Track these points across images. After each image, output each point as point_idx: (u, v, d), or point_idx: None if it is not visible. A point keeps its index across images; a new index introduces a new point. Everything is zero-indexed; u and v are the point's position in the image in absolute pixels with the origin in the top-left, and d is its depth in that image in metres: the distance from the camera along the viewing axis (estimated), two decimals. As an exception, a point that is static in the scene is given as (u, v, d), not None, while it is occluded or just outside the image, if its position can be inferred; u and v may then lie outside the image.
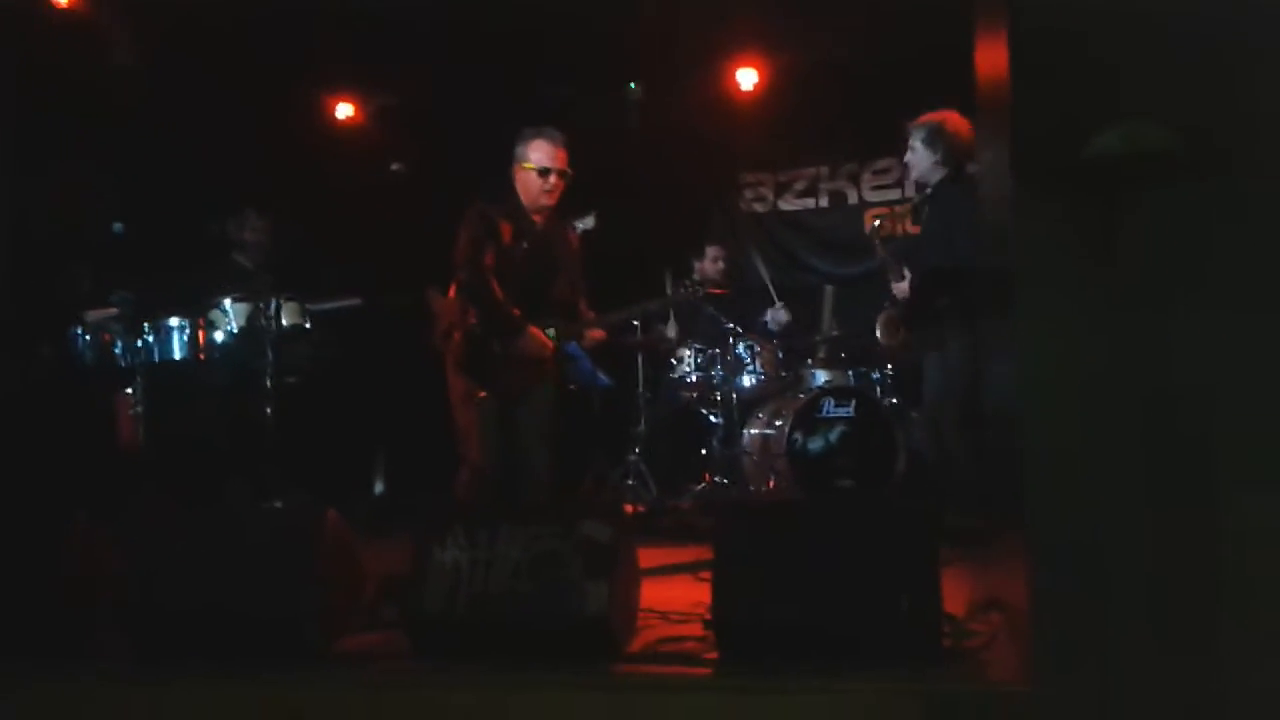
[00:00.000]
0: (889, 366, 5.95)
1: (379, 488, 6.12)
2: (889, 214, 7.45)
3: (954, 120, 4.92)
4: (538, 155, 4.65)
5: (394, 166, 5.01)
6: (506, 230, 4.63)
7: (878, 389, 5.91)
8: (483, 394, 4.58)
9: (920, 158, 4.99)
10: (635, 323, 4.84)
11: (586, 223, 4.97)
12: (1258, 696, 2.44)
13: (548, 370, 4.66)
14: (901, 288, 5.05)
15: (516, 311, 4.59)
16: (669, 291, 4.88)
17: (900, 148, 7.04)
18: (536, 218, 4.69)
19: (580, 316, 4.85)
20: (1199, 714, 2.45)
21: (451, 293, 4.72)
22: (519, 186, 4.69)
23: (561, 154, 4.69)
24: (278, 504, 4.82)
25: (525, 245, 4.63)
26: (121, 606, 3.31)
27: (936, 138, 4.90)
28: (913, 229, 5.37)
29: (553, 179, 4.65)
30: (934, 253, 4.92)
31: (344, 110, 7.27)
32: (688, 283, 4.91)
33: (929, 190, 5.04)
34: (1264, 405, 2.48)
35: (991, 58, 3.00)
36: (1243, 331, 2.49)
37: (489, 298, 4.57)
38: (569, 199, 4.92)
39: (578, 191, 5.03)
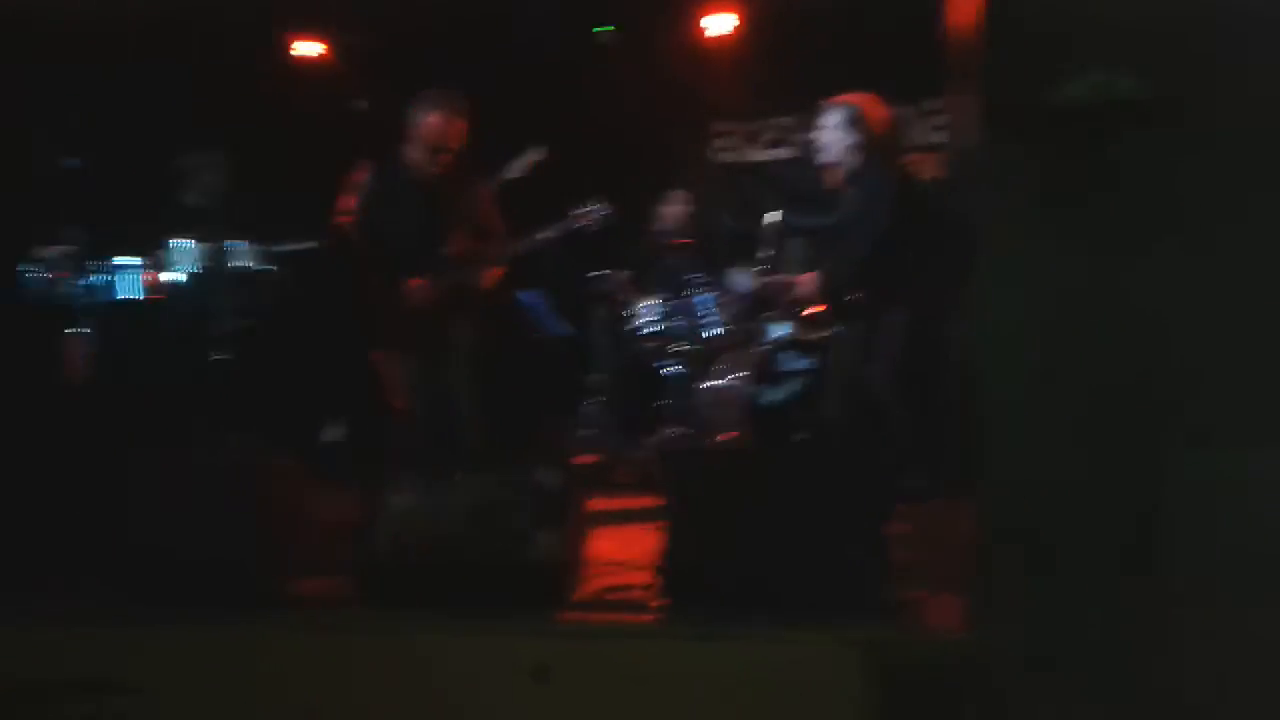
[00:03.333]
0: (852, 321, 5.93)
1: (333, 433, 6.08)
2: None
3: (871, 105, 4.85)
4: (428, 130, 4.56)
5: (357, 106, 4.92)
6: (391, 187, 4.59)
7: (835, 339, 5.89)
8: (383, 348, 4.59)
9: (834, 139, 4.89)
10: (535, 245, 4.73)
11: (529, 158, 4.90)
12: (1196, 639, 2.48)
13: (455, 318, 4.63)
14: (805, 281, 5.03)
15: (377, 266, 4.56)
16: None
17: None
18: (430, 173, 4.62)
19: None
20: (1139, 658, 2.49)
21: None
22: (412, 149, 4.62)
23: (455, 128, 4.57)
24: (229, 448, 4.78)
25: (414, 201, 4.58)
26: (72, 548, 3.31)
27: (853, 122, 4.81)
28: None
29: (443, 154, 4.58)
30: (847, 241, 4.88)
31: (304, 47, 7.13)
32: (586, 209, 4.83)
33: (841, 171, 4.95)
34: (1229, 350, 2.50)
35: (962, 7, 2.98)
36: (1210, 276, 2.50)
37: (348, 250, 4.56)
38: (521, 141, 4.88)
39: (536, 138, 4.98)
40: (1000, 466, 2.61)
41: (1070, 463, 2.56)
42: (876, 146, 4.77)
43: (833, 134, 4.84)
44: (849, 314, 4.91)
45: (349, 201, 4.64)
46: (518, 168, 4.89)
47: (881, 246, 4.57)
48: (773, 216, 5.78)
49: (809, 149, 7.49)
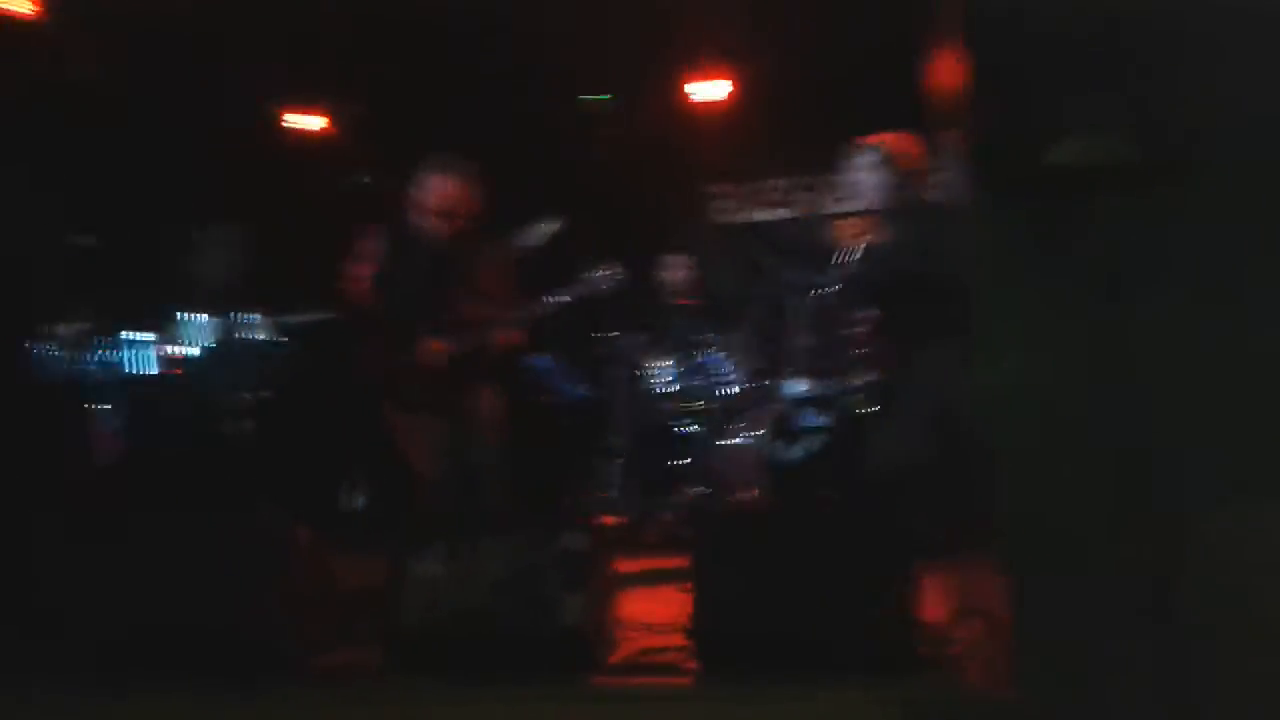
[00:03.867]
0: (864, 376, 5.96)
1: (356, 503, 6.07)
2: (860, 225, 7.51)
3: (897, 142, 4.91)
4: (434, 196, 4.60)
5: (363, 179, 4.97)
6: (403, 252, 4.63)
7: (854, 399, 5.91)
8: (400, 414, 4.59)
9: (867, 181, 4.96)
10: (550, 308, 4.75)
11: (547, 229, 4.94)
12: (1234, 697, 2.46)
13: (471, 382, 4.64)
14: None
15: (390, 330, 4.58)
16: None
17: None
18: (442, 237, 4.65)
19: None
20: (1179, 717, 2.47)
21: None
22: (419, 213, 4.66)
23: (465, 190, 4.63)
24: (253, 521, 4.77)
25: (424, 265, 4.61)
26: (96, 622, 3.28)
27: (883, 162, 4.87)
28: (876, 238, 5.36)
29: (453, 219, 4.62)
30: (901, 266, 4.93)
31: (314, 120, 7.22)
32: (598, 273, 4.84)
33: (875, 214, 5.01)
34: (1223, 404, 2.51)
35: (948, 70, 3.03)
36: (1200, 331, 2.52)
37: (363, 316, 4.59)
38: (530, 210, 4.92)
39: (543, 204, 5.01)
40: (1018, 522, 2.61)
41: (1086, 522, 2.56)
42: (909, 185, 4.80)
43: (865, 175, 4.88)
44: (900, 361, 4.93)
45: (360, 268, 4.67)
46: (534, 236, 4.93)
47: (917, 289, 4.58)
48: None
49: (806, 206, 7.64)
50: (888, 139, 4.82)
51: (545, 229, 4.92)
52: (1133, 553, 2.53)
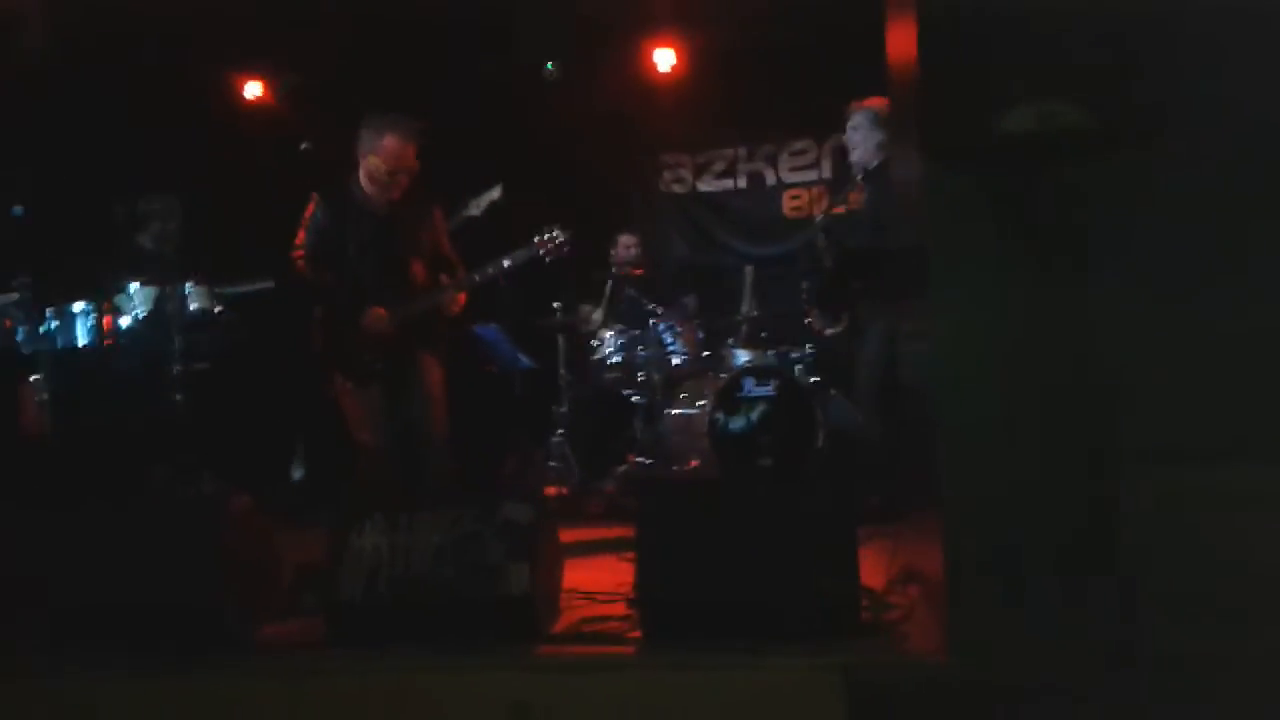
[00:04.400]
0: (809, 346, 6.00)
1: (296, 474, 6.02)
2: (806, 196, 7.55)
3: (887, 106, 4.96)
4: (385, 152, 4.53)
5: (302, 146, 4.89)
6: (343, 218, 4.55)
7: (798, 368, 5.95)
8: (345, 381, 4.54)
9: (863, 139, 5.04)
10: (499, 272, 4.66)
11: (490, 196, 4.90)
12: (1163, 660, 2.51)
13: (416, 349, 4.59)
14: None
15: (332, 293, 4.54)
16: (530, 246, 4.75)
17: (823, 131, 7.19)
18: (384, 200, 4.59)
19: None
20: (1108, 680, 2.51)
21: None
22: (364, 174, 4.59)
23: (410, 149, 4.56)
24: (191, 493, 4.72)
25: (368, 230, 4.55)
26: (36, 600, 3.23)
27: (880, 121, 4.94)
28: (835, 210, 5.41)
29: (400, 177, 4.55)
30: (863, 234, 4.97)
31: (253, 88, 7.10)
32: (548, 236, 4.79)
33: (864, 173, 5.06)
34: (1169, 376, 2.54)
35: (901, 38, 3.03)
36: (1151, 303, 2.55)
37: (306, 285, 4.54)
38: (475, 178, 4.87)
39: (489, 172, 4.96)
40: (961, 491, 2.63)
41: (1030, 486, 2.59)
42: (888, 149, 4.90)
43: (863, 133, 5.02)
44: (866, 313, 5.00)
45: (300, 237, 4.60)
46: (476, 206, 4.88)
47: (886, 249, 4.64)
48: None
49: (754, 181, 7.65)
50: (880, 102, 4.89)
51: (488, 196, 4.88)
52: (1070, 518, 2.57)
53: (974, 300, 2.61)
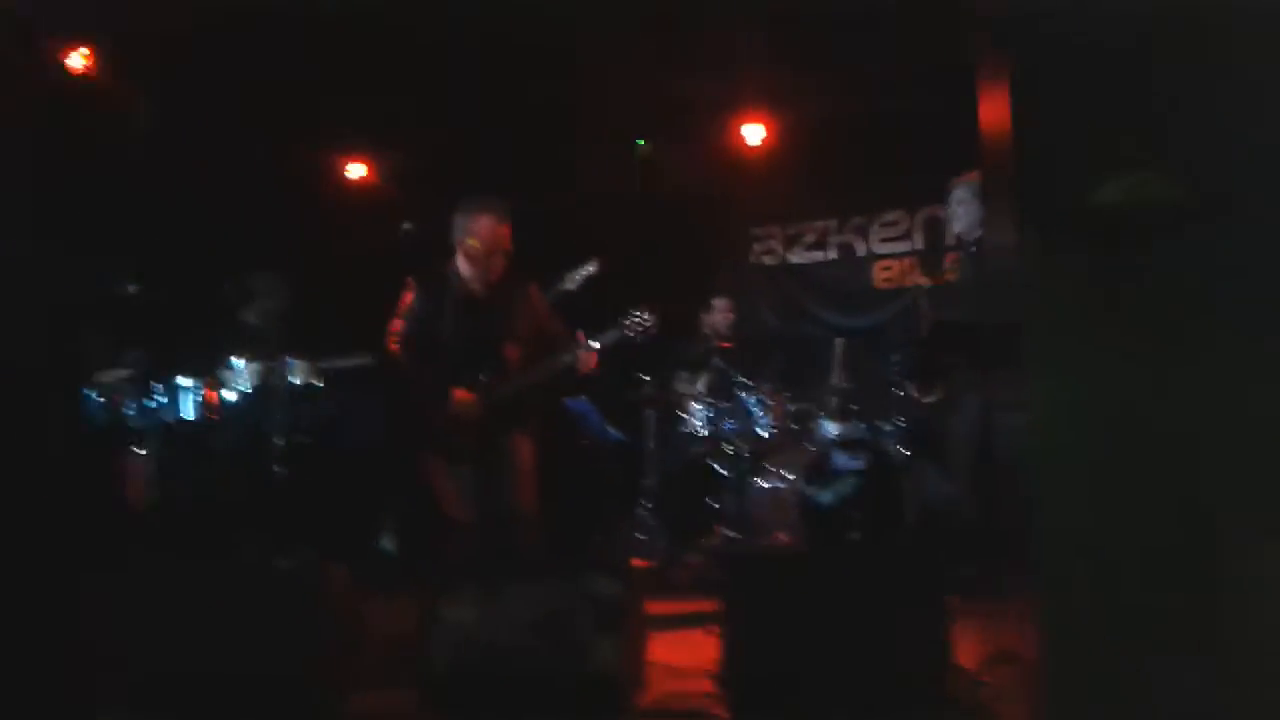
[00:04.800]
0: (900, 419, 5.93)
1: (388, 546, 6.09)
2: (897, 267, 7.51)
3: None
4: (480, 234, 4.62)
5: (404, 226, 5.03)
6: (440, 303, 4.64)
7: (888, 441, 5.88)
8: (437, 461, 4.60)
9: (966, 212, 5.04)
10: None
11: (585, 271, 4.96)
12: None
13: (508, 428, 4.63)
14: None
15: (431, 379, 4.59)
16: (620, 328, 4.78)
17: (914, 202, 7.18)
18: (481, 284, 4.67)
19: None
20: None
21: None
22: (461, 258, 4.68)
23: (504, 230, 4.63)
24: (286, 563, 4.80)
25: (463, 314, 4.62)
26: (130, 668, 3.30)
27: (977, 196, 4.94)
28: (922, 280, 5.39)
29: (496, 258, 4.64)
30: (960, 306, 4.95)
31: (355, 169, 7.35)
32: (635, 319, 4.81)
33: (970, 244, 5.05)
34: (1264, 456, 2.47)
35: (995, 111, 3.03)
36: (1245, 383, 2.48)
37: (399, 372, 4.62)
38: (570, 256, 4.94)
39: (583, 249, 5.03)
40: (1058, 570, 2.56)
41: (1120, 567, 2.51)
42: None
43: (966, 207, 5.03)
44: (960, 385, 4.95)
45: (396, 322, 4.69)
46: (572, 280, 4.95)
47: (972, 330, 4.61)
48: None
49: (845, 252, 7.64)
50: (979, 176, 4.89)
51: (583, 271, 4.94)
52: (1163, 599, 2.49)
53: (1068, 374, 2.57)
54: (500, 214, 4.66)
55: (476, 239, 4.61)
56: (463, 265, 4.68)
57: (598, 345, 4.67)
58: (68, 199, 5.46)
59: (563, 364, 4.65)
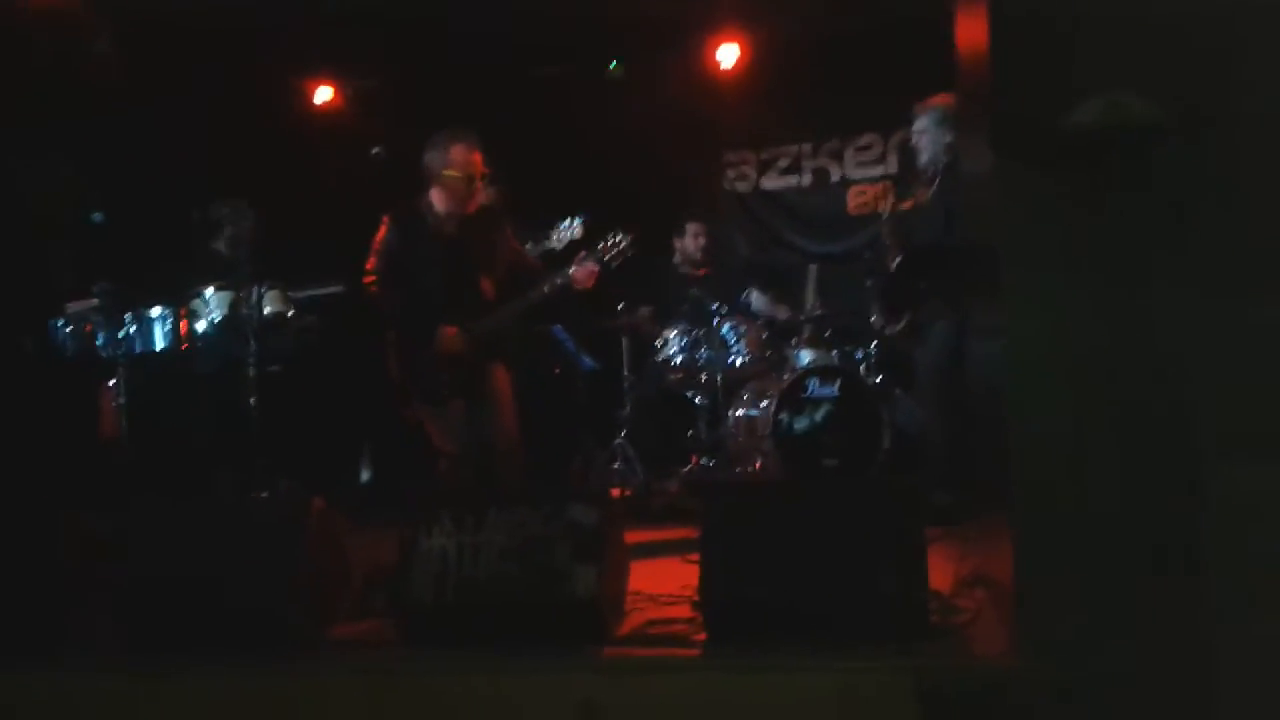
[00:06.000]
0: (873, 345, 5.96)
1: (366, 476, 6.10)
2: (871, 192, 7.48)
3: (955, 103, 4.90)
4: (455, 162, 4.57)
5: (374, 151, 4.96)
6: (415, 239, 4.60)
7: (863, 368, 5.91)
8: (424, 404, 4.59)
9: (931, 139, 4.98)
10: (566, 283, 4.67)
11: (572, 231, 4.96)
12: (1242, 666, 2.45)
13: (489, 361, 4.63)
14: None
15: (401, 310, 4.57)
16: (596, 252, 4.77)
17: (888, 126, 7.12)
18: (457, 218, 4.63)
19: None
20: (1182, 686, 2.47)
21: None
22: (437, 192, 4.63)
23: (478, 156, 4.62)
24: (264, 494, 4.80)
25: (438, 251, 4.59)
26: (111, 598, 3.31)
27: (947, 120, 4.88)
28: (903, 205, 5.35)
29: (475, 183, 4.60)
30: (931, 233, 4.93)
31: (323, 94, 7.22)
32: (611, 241, 4.81)
33: (937, 172, 5.01)
34: (1246, 374, 2.49)
35: (971, 32, 3.00)
36: (1225, 301, 2.50)
37: (378, 308, 4.58)
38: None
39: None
40: (1033, 492, 2.59)
41: (1101, 487, 2.54)
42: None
43: (929, 135, 4.94)
44: (929, 312, 4.95)
45: (374, 262, 4.64)
46: (559, 239, 4.94)
47: (945, 254, 4.60)
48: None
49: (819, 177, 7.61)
50: (945, 99, 4.83)
51: (568, 231, 4.94)
52: (1144, 518, 2.52)
53: (1047, 297, 2.58)
54: (472, 140, 4.62)
55: (454, 168, 4.57)
56: (437, 199, 4.64)
57: (594, 265, 4.65)
58: (33, 130, 5.37)
59: (558, 285, 4.63)
